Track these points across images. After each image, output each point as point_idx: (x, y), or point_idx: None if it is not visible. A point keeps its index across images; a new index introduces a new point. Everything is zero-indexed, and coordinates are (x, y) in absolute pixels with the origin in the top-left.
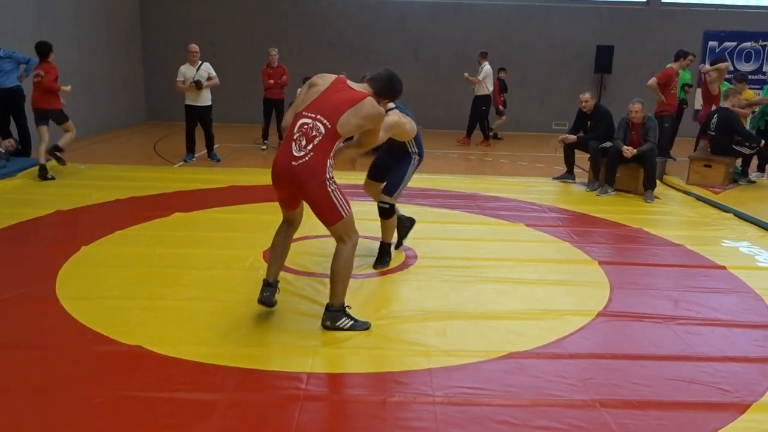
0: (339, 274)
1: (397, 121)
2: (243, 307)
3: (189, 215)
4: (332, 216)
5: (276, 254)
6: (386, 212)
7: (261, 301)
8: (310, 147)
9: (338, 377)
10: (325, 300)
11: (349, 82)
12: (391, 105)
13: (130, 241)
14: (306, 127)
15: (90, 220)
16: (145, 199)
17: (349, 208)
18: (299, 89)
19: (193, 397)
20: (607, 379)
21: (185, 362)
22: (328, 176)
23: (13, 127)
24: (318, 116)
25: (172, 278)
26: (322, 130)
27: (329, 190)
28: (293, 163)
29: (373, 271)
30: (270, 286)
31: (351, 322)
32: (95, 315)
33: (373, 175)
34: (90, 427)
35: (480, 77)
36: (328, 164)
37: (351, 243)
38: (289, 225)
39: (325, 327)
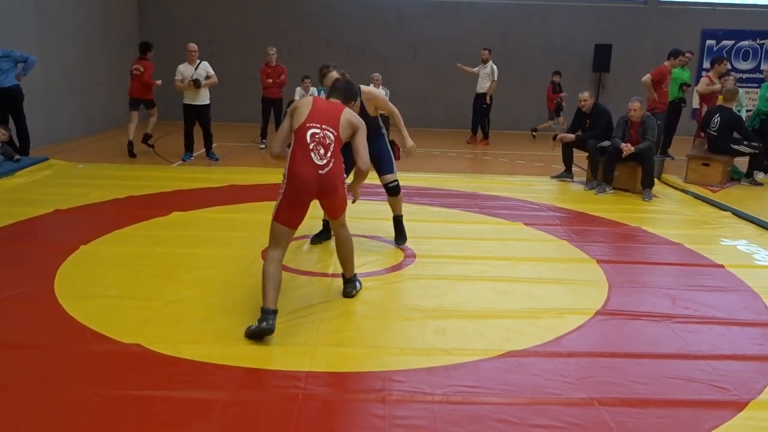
0: (352, 251)
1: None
2: (242, 306)
3: (187, 214)
4: (342, 210)
5: (274, 284)
6: (397, 187)
7: (267, 330)
8: (329, 155)
9: (337, 376)
10: (324, 298)
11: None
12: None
13: (128, 241)
14: (318, 136)
15: (89, 219)
16: (143, 199)
17: None
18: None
19: (192, 395)
20: (606, 378)
21: (184, 361)
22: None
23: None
24: (323, 125)
25: (171, 277)
26: (332, 137)
27: (345, 191)
28: (320, 172)
29: (371, 269)
30: (273, 313)
31: (359, 284)
32: (94, 314)
33: None
34: (89, 426)
35: (494, 78)
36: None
37: (347, 224)
38: (283, 251)
39: (351, 296)
